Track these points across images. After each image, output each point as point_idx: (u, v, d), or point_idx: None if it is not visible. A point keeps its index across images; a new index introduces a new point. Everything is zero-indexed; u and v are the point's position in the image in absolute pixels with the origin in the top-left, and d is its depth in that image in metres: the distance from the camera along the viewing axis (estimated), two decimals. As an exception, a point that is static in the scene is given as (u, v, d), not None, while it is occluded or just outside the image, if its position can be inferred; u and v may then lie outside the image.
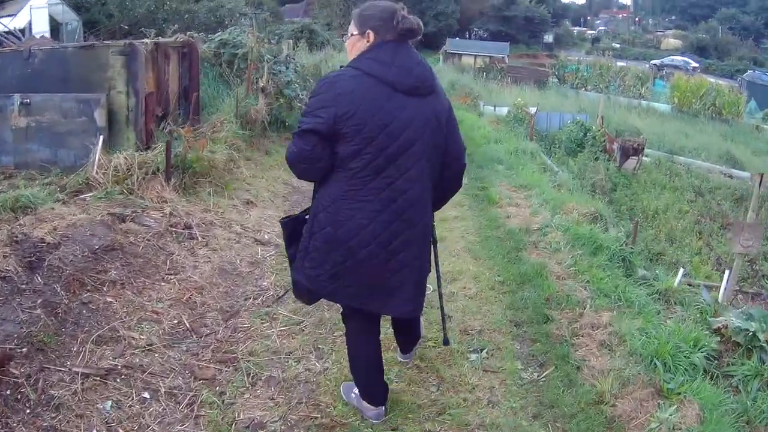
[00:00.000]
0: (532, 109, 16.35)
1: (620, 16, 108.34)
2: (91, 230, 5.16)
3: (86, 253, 4.77)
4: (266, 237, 6.50)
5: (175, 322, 4.52)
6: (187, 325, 4.51)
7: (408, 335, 3.82)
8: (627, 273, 6.20)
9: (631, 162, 14.72)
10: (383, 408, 3.47)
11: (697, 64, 57.50)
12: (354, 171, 2.84)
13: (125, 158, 6.46)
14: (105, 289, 4.54)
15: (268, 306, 4.98)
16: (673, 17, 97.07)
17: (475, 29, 65.17)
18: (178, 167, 6.77)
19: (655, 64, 54.26)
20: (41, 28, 19.57)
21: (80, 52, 7.09)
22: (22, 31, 18.37)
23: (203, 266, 5.47)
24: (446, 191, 3.29)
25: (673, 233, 11.30)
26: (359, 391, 3.47)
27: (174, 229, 5.95)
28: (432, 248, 3.36)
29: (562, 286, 5.49)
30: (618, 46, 70.02)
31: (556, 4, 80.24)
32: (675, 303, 5.81)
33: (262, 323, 4.70)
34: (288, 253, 3.25)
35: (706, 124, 30.45)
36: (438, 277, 3.64)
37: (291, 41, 12.72)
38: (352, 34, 3.02)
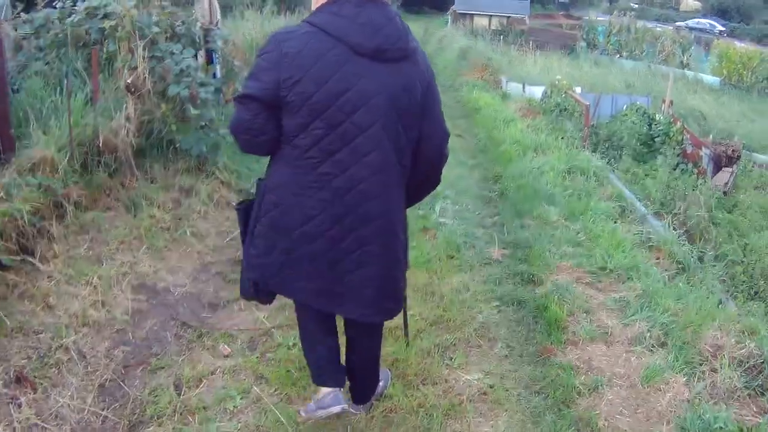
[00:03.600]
0: (578, 90, 11.94)
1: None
2: None
3: None
4: None
5: None
6: None
7: (363, 370, 3.11)
8: None
9: (724, 175, 10.37)
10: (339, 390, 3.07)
11: (723, 28, 56.07)
12: (301, 150, 2.46)
13: None
14: None
15: None
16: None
17: (486, -15, 60.14)
18: None
19: (679, 26, 51.13)
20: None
21: None
22: None
23: None
24: (419, 189, 2.83)
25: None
26: (312, 373, 3.11)
27: None
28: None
29: None
30: (636, 6, 65.45)
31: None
32: None
33: None
34: (243, 248, 2.78)
35: (762, 102, 26.69)
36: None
37: (212, 1, 8.14)
38: None
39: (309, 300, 2.75)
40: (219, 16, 8.16)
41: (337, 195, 2.49)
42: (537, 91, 13.79)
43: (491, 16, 40.70)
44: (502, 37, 32.28)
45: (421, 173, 2.70)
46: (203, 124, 5.78)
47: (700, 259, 6.04)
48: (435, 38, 29.15)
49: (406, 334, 3.68)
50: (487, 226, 5.94)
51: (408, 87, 2.48)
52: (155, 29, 5.89)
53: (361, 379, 3.15)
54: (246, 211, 2.74)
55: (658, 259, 5.74)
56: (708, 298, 4.85)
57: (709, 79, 29.81)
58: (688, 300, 4.67)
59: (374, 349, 3.11)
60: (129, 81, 5.49)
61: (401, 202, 2.68)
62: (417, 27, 37.72)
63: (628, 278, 4.90)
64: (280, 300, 4.42)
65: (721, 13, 64.65)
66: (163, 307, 4.28)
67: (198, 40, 6.74)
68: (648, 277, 4.92)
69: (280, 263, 2.62)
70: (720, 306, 4.87)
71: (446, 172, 7.36)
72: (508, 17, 40.28)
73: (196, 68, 6.07)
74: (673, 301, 4.55)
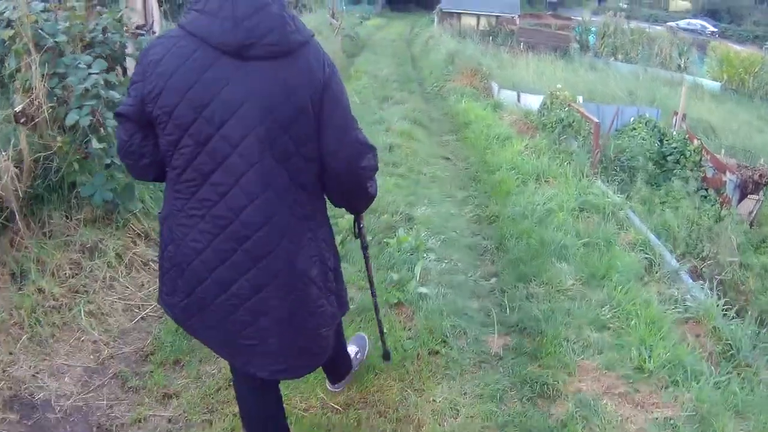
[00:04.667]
0: (579, 99, 10.77)
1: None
2: None
3: None
4: None
5: None
6: None
7: (331, 367, 3.17)
8: None
9: (749, 204, 9.18)
10: None
11: (714, 29, 55.76)
12: (178, 171, 2.16)
13: None
14: None
15: None
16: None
17: (473, -16, 58.93)
18: None
19: (671, 27, 50.73)
20: None
21: None
22: None
23: None
24: (347, 201, 2.46)
25: None
26: None
27: None
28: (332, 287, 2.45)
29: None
30: (626, 6, 64.77)
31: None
32: None
33: None
34: None
35: (763, 108, 25.81)
36: (372, 284, 3.08)
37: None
38: None
39: (215, 349, 2.46)
40: (157, 17, 6.82)
41: (218, 226, 2.16)
42: (533, 101, 12.49)
43: (479, 15, 39.46)
44: (491, 38, 31.04)
45: (336, 195, 2.36)
46: (110, 161, 4.49)
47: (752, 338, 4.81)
48: (421, 39, 27.88)
49: None
50: (483, 295, 4.65)
51: (291, 90, 2.09)
52: (62, 37, 4.63)
53: (327, 365, 3.02)
54: None
55: (698, 336, 4.56)
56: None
57: (709, 84, 28.69)
58: (747, 413, 3.59)
59: (341, 361, 3.17)
60: (19, 109, 4.22)
61: (306, 231, 2.27)
62: (403, 26, 36.58)
63: (672, 383, 3.71)
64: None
65: (711, 14, 64.31)
66: (39, 432, 3.11)
67: (119, 49, 5.44)
68: (697, 380, 3.76)
69: (184, 305, 2.32)
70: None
71: (431, 211, 6.19)
72: (497, 17, 39.02)
73: (113, 85, 4.80)
74: (731, 419, 3.41)
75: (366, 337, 3.59)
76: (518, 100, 13.33)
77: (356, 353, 3.44)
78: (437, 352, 3.78)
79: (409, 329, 3.97)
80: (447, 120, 11.80)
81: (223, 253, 2.17)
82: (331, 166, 2.21)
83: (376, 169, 2.37)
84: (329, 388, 3.36)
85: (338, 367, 3.22)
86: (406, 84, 15.27)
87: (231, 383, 3.38)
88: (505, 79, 16.91)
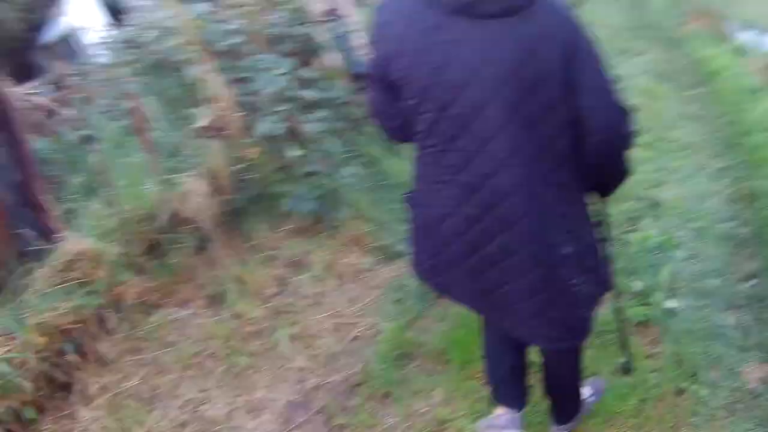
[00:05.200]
0: None
1: None
2: None
3: None
4: None
5: None
6: None
7: (556, 388, 2.71)
8: None
9: None
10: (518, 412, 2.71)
11: None
12: (422, 137, 2.09)
13: None
14: None
15: None
16: None
17: None
18: None
19: None
20: None
21: None
22: None
23: None
24: (600, 176, 2.16)
25: None
26: (491, 392, 2.77)
27: None
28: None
29: None
30: None
31: None
32: None
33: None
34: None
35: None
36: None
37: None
38: None
39: (466, 304, 2.36)
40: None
41: (466, 192, 2.05)
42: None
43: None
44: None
45: (589, 168, 2.08)
46: (310, 170, 4.23)
47: None
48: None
49: None
50: (740, 306, 3.77)
51: (533, 49, 1.85)
52: (236, 39, 4.51)
53: (556, 400, 2.77)
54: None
55: None
56: None
57: None
58: None
59: (564, 377, 2.68)
60: (206, 123, 4.13)
61: (560, 203, 2.08)
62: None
63: None
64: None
65: None
66: None
67: (308, 41, 5.12)
68: None
69: (430, 265, 2.29)
70: None
71: (681, 190, 4.99)
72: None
73: (309, 82, 4.58)
74: None
75: (604, 382, 3.12)
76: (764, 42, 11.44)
77: (590, 395, 2.98)
78: (682, 392, 3.10)
79: (655, 357, 3.31)
80: (689, 71, 10.38)
81: (472, 220, 2.08)
82: (588, 130, 1.99)
83: (634, 136, 2.12)
84: (552, 428, 2.88)
85: (566, 404, 2.80)
86: (638, 31, 13.81)
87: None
88: (740, 15, 14.75)
